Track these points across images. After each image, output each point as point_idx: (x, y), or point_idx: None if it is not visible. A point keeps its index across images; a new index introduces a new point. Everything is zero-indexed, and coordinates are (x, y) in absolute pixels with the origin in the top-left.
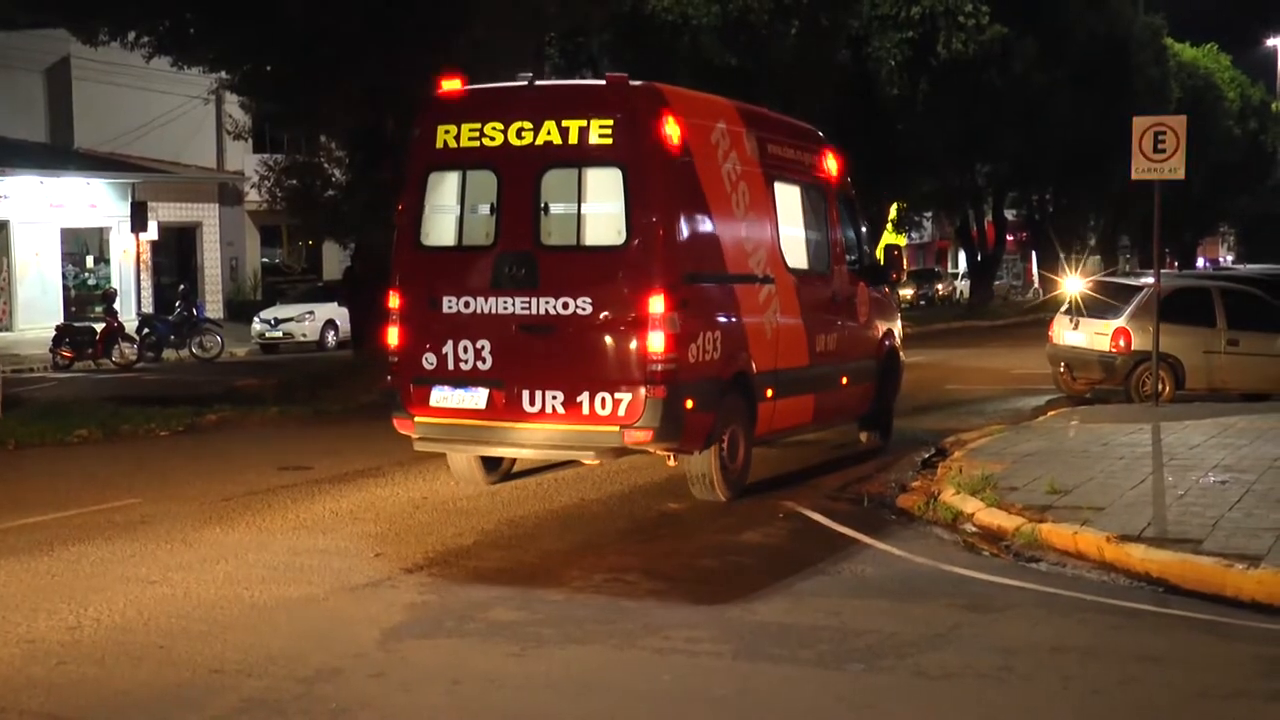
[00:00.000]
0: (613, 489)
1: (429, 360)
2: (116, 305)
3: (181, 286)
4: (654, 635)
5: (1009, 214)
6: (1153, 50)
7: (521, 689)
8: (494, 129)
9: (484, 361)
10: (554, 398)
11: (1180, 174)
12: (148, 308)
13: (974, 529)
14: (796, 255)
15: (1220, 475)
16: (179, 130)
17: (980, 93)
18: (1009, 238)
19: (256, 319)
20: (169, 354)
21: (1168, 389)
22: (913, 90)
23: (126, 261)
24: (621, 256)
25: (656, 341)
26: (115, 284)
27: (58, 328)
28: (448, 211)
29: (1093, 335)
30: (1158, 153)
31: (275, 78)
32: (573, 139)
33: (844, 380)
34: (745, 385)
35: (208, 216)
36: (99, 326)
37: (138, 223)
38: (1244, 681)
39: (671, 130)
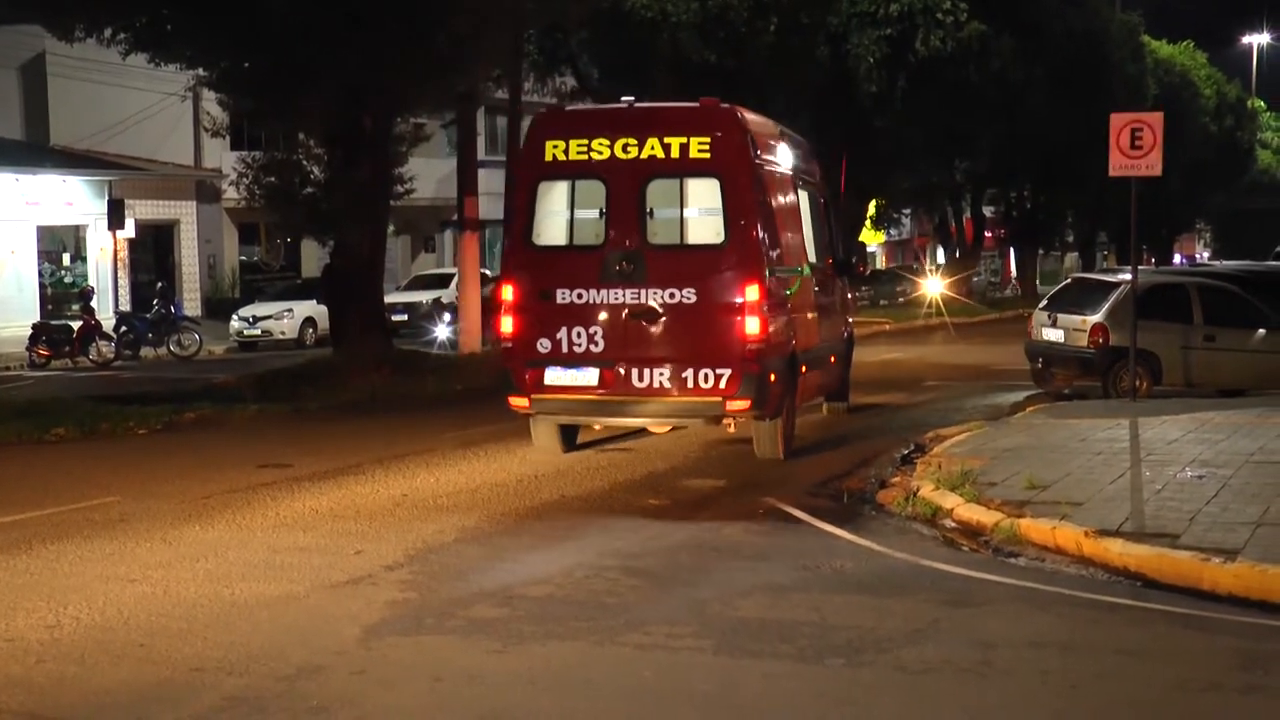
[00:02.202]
0: (593, 485)
1: (543, 345)
2: (93, 303)
3: (159, 284)
4: (635, 631)
5: (987, 210)
6: (1130, 47)
7: (502, 686)
8: (601, 144)
9: (596, 345)
10: (661, 374)
11: (1157, 171)
12: (125, 306)
13: (953, 524)
14: (811, 251)
15: (1197, 470)
16: (156, 127)
17: (958, 90)
18: (987, 234)
19: (235, 317)
20: (147, 352)
21: (1145, 385)
22: (891, 87)
23: (103, 259)
24: (721, 254)
25: (753, 326)
26: (92, 282)
27: (34, 326)
28: (558, 215)
29: (1070, 331)
30: (1135, 149)
31: (253, 74)
32: (674, 154)
33: (832, 359)
34: (794, 362)
35: (185, 214)
36: (76, 325)
37: (115, 220)
38: (1221, 674)
39: (753, 145)
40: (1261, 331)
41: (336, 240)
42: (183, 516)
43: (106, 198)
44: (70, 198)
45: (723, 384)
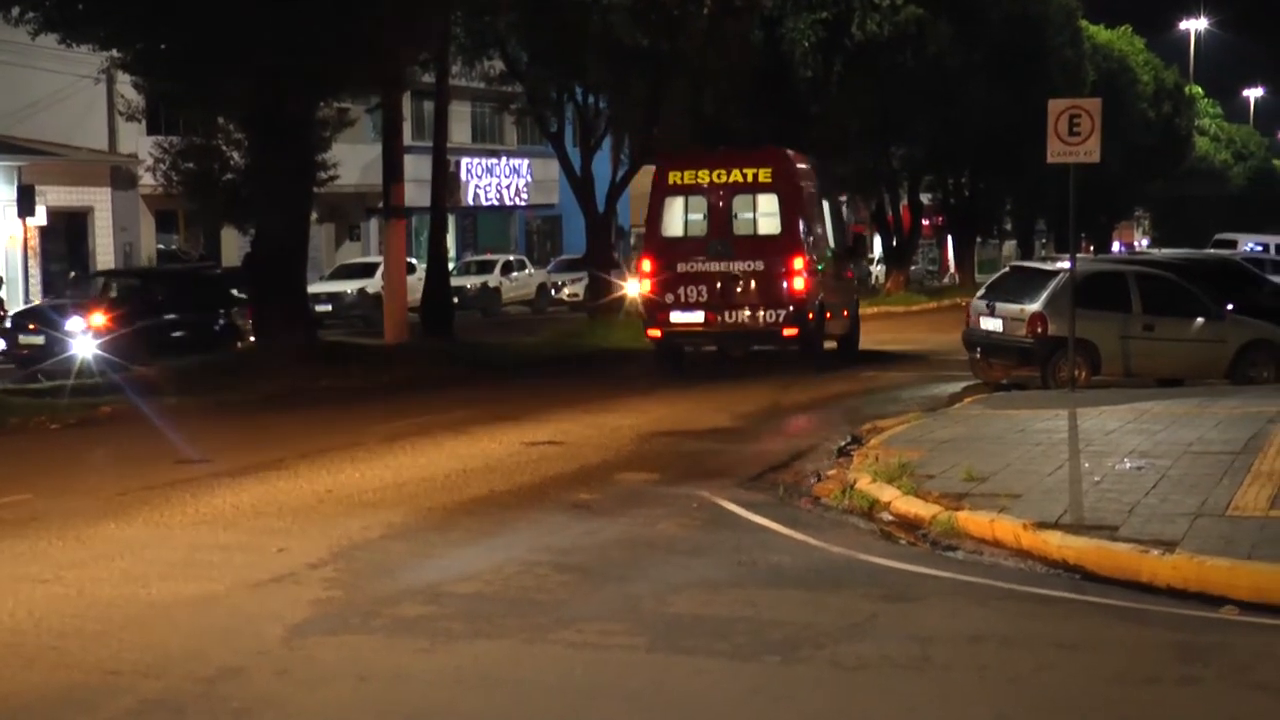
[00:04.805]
0: (523, 479)
1: (669, 297)
2: (3, 294)
3: (73, 274)
4: (566, 628)
5: (924, 198)
6: (1068, 32)
7: (430, 685)
8: (704, 173)
9: (702, 296)
10: (743, 314)
11: (1096, 157)
12: (37, 296)
13: (891, 517)
14: (831, 239)
15: (1136, 461)
16: (68, 111)
17: (895, 75)
18: (925, 222)
19: None
20: None
21: (1083, 375)
22: (827, 72)
23: (13, 248)
24: (778, 240)
25: (798, 283)
26: (2, 272)
27: None
28: (677, 218)
29: (1008, 321)
30: (1073, 135)
31: (170, 56)
32: (749, 178)
33: (845, 313)
34: (822, 308)
35: (99, 201)
36: None
37: (25, 207)
38: (1158, 668)
39: (797, 172)
40: (1200, 320)
41: (257, 228)
42: (98, 514)
43: (15, 184)
44: None
45: (780, 319)
